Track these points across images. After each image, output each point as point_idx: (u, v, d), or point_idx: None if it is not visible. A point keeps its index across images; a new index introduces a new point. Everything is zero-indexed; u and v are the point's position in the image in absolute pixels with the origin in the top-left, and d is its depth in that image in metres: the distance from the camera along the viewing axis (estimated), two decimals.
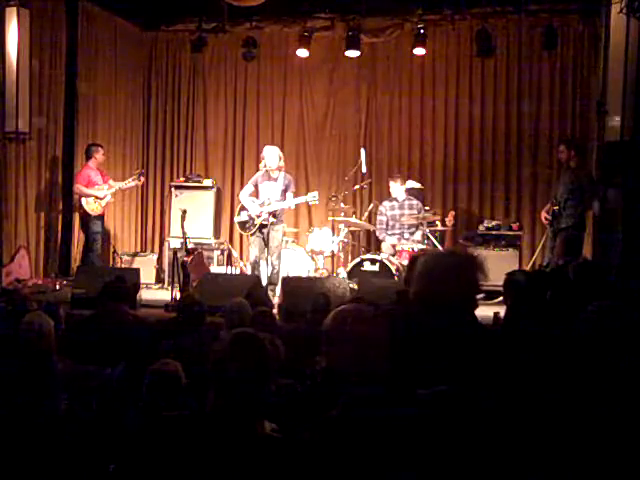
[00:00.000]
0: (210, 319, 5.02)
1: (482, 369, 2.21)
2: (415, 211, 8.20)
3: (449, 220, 8.29)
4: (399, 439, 1.93)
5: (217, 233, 9.54)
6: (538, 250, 8.47)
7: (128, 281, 5.98)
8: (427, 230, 8.02)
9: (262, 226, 7.65)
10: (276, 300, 7.00)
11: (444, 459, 1.94)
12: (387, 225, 8.33)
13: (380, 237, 8.39)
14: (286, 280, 7.05)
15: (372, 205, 8.76)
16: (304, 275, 8.15)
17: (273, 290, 7.44)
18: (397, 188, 8.31)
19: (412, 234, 8.14)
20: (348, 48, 8.87)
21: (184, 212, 7.61)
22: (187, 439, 2.05)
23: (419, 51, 8.80)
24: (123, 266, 8.88)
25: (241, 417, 2.05)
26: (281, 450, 2.03)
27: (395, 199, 8.33)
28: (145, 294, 7.70)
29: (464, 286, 2.39)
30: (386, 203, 8.40)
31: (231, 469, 2.00)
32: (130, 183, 8.62)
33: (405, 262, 7.74)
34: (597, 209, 7.24)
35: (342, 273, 8.04)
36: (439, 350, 2.19)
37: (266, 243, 7.58)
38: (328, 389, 2.26)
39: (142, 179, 8.77)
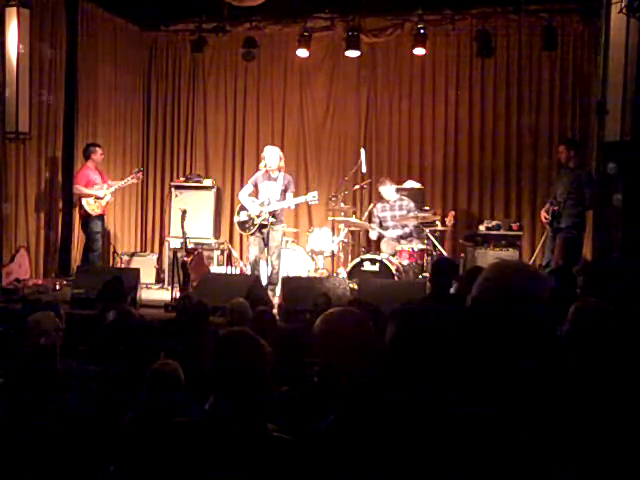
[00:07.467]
0: (210, 319, 5.01)
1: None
2: (405, 211, 8.20)
3: (449, 220, 8.29)
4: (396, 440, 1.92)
5: (217, 233, 9.54)
6: (538, 250, 8.46)
7: (126, 281, 5.97)
8: (428, 230, 8.02)
9: (262, 226, 7.66)
10: (276, 300, 7.00)
11: (439, 462, 1.93)
12: (381, 226, 8.36)
13: (375, 237, 8.37)
14: (286, 280, 7.05)
15: (372, 205, 8.76)
16: (304, 275, 8.15)
17: (273, 290, 7.45)
18: (387, 190, 8.32)
19: (410, 235, 8.16)
20: (348, 48, 8.87)
21: (184, 212, 7.60)
22: (190, 440, 2.04)
23: (419, 51, 8.80)
24: (123, 266, 8.88)
25: (249, 417, 2.03)
26: (291, 450, 2.01)
27: (387, 201, 8.34)
28: (145, 294, 7.69)
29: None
30: (378, 205, 8.43)
31: (241, 470, 1.98)
32: (129, 181, 8.64)
33: (405, 262, 7.75)
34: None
35: (342, 273, 8.04)
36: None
37: (266, 243, 7.59)
38: (324, 391, 2.24)
39: (140, 175, 8.82)
